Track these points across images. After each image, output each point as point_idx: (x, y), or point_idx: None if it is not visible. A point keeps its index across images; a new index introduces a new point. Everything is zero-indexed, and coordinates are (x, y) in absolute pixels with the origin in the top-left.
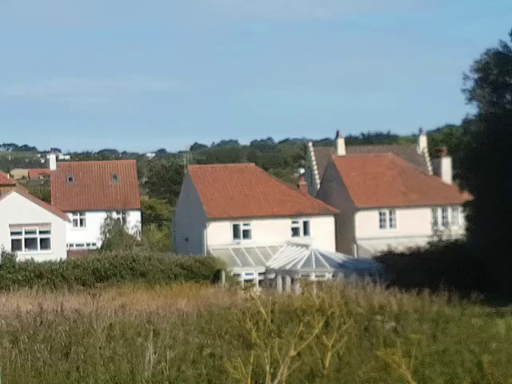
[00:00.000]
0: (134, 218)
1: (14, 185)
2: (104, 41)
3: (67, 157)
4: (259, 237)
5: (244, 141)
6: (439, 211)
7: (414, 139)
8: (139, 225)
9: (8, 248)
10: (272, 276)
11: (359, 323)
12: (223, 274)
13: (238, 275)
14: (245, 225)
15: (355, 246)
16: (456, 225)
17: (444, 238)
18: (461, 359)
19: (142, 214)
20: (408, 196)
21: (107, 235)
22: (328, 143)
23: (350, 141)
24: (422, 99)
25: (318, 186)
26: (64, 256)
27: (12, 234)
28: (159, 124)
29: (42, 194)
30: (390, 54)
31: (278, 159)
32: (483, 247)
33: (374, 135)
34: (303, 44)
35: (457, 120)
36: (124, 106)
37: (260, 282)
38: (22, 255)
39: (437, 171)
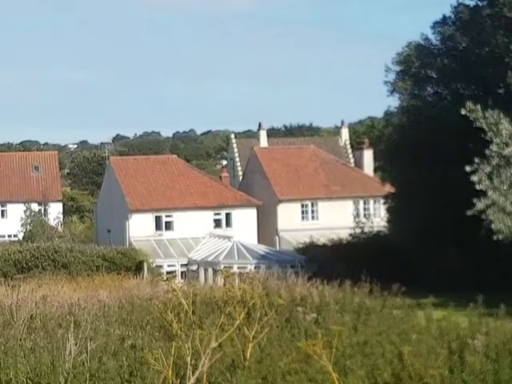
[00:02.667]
0: (55, 210)
1: None
2: (23, 31)
3: None
4: (182, 228)
5: (166, 132)
6: (361, 203)
7: (336, 131)
8: (61, 216)
9: None
10: (194, 267)
11: (281, 315)
12: (145, 266)
13: (161, 267)
14: (167, 216)
15: (277, 238)
16: (378, 217)
17: (366, 229)
18: (382, 351)
19: (63, 205)
20: (330, 188)
21: (28, 227)
22: (250, 135)
23: (273, 133)
24: (344, 92)
25: (241, 178)
26: None
27: None
28: (81, 115)
29: None
30: (313, 47)
31: (200, 151)
32: (404, 239)
33: (297, 127)
34: (225, 37)
35: (379, 112)
36: (45, 96)
37: (182, 273)
38: None
39: (359, 163)
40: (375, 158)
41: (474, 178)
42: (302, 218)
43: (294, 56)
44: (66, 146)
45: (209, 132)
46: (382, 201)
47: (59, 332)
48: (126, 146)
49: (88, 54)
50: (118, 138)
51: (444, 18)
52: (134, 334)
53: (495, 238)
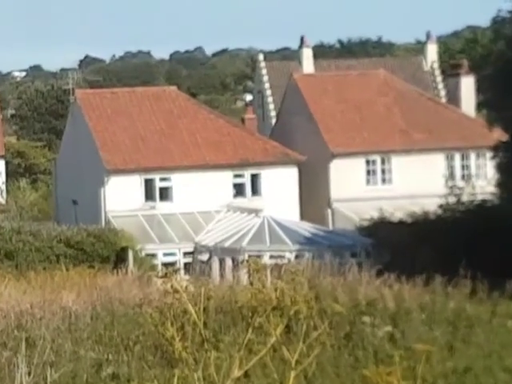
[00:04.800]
0: None
1: None
2: None
3: None
4: (184, 198)
5: (160, 53)
6: (457, 158)
7: (418, 49)
8: (2, 180)
9: None
10: (205, 257)
11: (338, 328)
12: (130, 255)
13: (154, 256)
14: (162, 180)
15: (330, 212)
16: (482, 178)
17: (464, 198)
18: (493, 382)
19: (6, 163)
20: (409, 135)
21: None
22: (288, 55)
23: (322, 51)
24: None
25: (274, 121)
26: None
27: None
28: (32, 29)
29: None
30: None
31: (211, 80)
32: None
33: (358, 43)
34: None
35: (483, 20)
36: None
37: (187, 265)
38: None
39: (453, 97)
40: (478, 89)
41: None
42: (368, 180)
43: None
44: (9, 73)
45: (224, 51)
46: (488, 154)
47: (4, 355)
48: (99, 74)
49: None
50: (87, 62)
51: None
52: (117, 357)
53: None
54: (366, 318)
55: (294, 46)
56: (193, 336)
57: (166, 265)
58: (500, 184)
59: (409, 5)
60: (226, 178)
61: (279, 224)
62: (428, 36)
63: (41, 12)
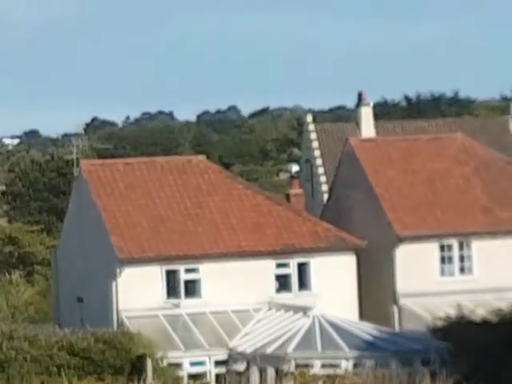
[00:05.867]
0: None
1: None
2: None
3: None
4: (216, 294)
5: (185, 114)
6: None
7: (503, 106)
8: None
9: None
10: (241, 367)
11: None
12: (149, 365)
13: (178, 366)
14: (188, 271)
15: (396, 309)
16: None
17: None
18: None
19: None
20: (494, 213)
21: None
22: (342, 116)
23: (385, 111)
24: None
25: (326, 197)
26: None
27: None
28: (27, 87)
29: None
30: None
31: (248, 147)
32: None
33: (429, 100)
34: None
35: None
36: None
37: (219, 377)
38: None
39: None
40: None
41: None
42: (443, 270)
43: None
44: None
45: (264, 111)
46: None
47: None
48: (109, 140)
49: None
50: (94, 126)
51: None
52: None
53: None
54: None
55: (351, 104)
56: None
57: (193, 377)
58: None
59: (491, 53)
60: (267, 269)
61: (333, 325)
62: None
63: (38, 66)
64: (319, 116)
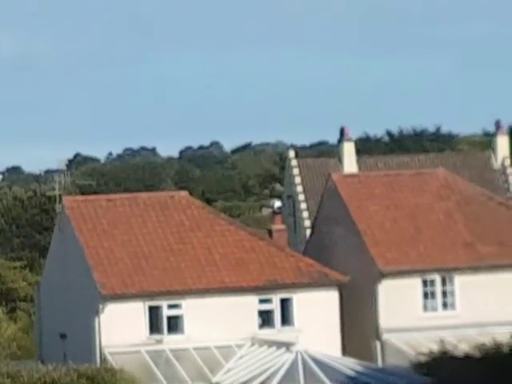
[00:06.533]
0: None
1: None
2: None
3: None
4: (198, 330)
5: (168, 149)
6: None
7: (485, 141)
8: None
9: None
10: None
11: None
12: None
13: None
14: (171, 307)
15: (378, 344)
16: None
17: None
18: None
19: None
20: (476, 249)
21: None
22: (324, 151)
23: (367, 146)
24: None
25: (308, 232)
26: None
27: None
28: (9, 124)
29: None
30: None
31: (231, 183)
32: None
33: (411, 135)
34: None
35: None
36: None
37: None
38: None
39: None
40: None
41: None
42: (425, 305)
43: None
44: None
45: (246, 147)
46: None
47: None
48: (92, 176)
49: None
50: (77, 162)
51: None
52: None
53: None
54: None
55: (333, 139)
56: None
57: None
58: None
59: (473, 88)
60: (249, 304)
61: (316, 360)
62: (498, 126)
63: (19, 102)
64: (301, 151)
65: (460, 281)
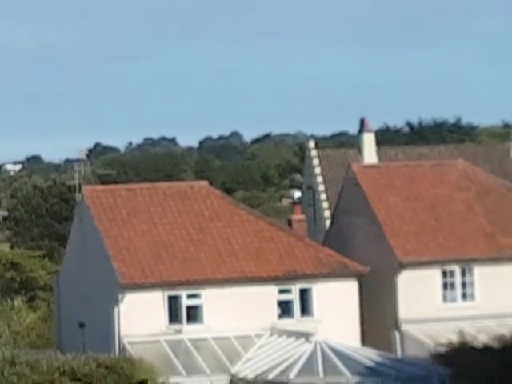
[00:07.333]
0: None
1: None
2: None
3: None
4: (218, 320)
5: (188, 140)
6: None
7: (505, 133)
8: None
9: None
10: None
11: None
12: None
13: None
14: (190, 297)
15: (398, 335)
16: None
17: None
18: None
19: None
20: (496, 239)
21: None
22: (345, 142)
23: (387, 137)
24: None
25: (328, 223)
26: None
27: None
28: (29, 113)
29: None
30: None
31: (251, 173)
32: None
33: (431, 126)
34: None
35: None
36: None
37: None
38: None
39: None
40: None
41: None
42: (445, 296)
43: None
44: (0, 166)
45: (266, 137)
46: None
47: None
48: (112, 166)
49: None
50: (97, 152)
51: None
52: None
53: None
54: None
55: (353, 130)
56: None
57: None
58: None
59: (494, 79)
60: (269, 294)
61: (335, 351)
62: None
63: (40, 92)
64: (321, 142)
65: (479, 272)
